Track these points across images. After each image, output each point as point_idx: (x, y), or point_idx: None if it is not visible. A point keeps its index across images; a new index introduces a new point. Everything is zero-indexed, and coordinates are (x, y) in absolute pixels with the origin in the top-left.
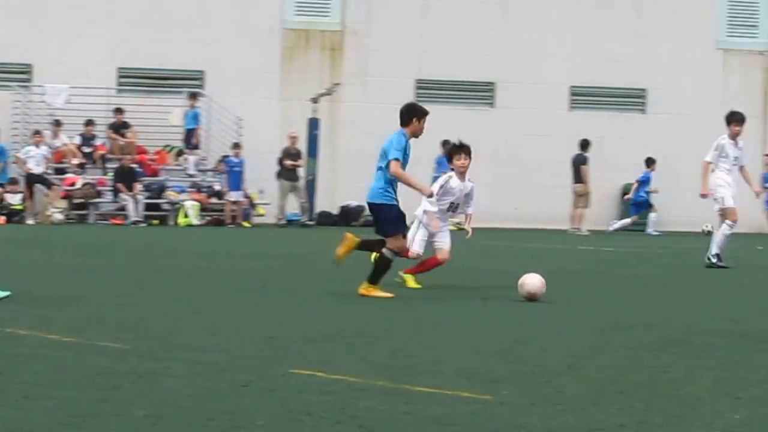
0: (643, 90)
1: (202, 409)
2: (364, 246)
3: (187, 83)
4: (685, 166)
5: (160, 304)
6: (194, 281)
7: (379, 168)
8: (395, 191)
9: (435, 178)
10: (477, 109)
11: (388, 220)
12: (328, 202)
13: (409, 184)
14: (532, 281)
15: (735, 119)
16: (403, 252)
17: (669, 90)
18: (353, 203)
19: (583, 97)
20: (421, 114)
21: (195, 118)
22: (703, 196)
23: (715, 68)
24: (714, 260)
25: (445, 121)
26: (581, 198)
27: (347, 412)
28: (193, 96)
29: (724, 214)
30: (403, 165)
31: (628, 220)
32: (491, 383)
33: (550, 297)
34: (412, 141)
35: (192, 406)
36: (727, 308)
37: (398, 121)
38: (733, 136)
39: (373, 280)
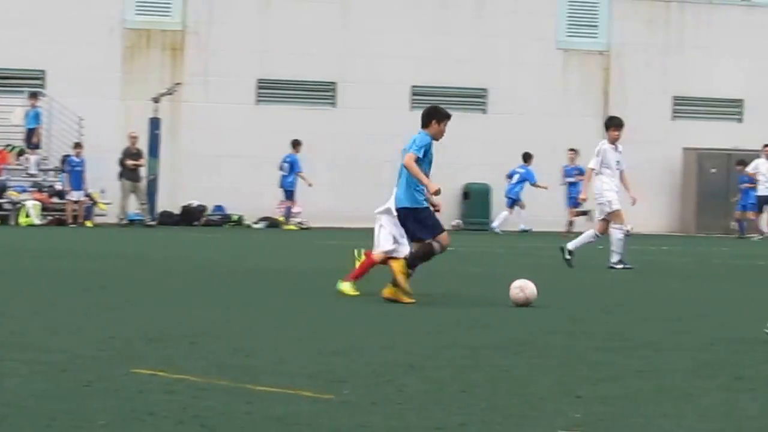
0: (483, 90)
1: (44, 409)
2: (413, 264)
3: (27, 82)
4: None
5: (0, 305)
6: (35, 281)
7: (402, 172)
8: (422, 192)
9: (284, 178)
10: (318, 109)
11: (425, 225)
12: (169, 201)
13: (419, 179)
14: (532, 290)
15: (613, 124)
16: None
17: (510, 90)
18: (195, 203)
19: (425, 97)
20: (441, 117)
21: (36, 117)
22: (582, 200)
23: (555, 68)
24: (619, 267)
25: (286, 121)
26: None
27: (189, 412)
28: (34, 95)
29: (611, 218)
30: (424, 164)
31: (506, 214)
32: (333, 383)
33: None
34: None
35: (34, 406)
36: (568, 308)
37: (242, 120)
38: (613, 141)
39: (412, 264)
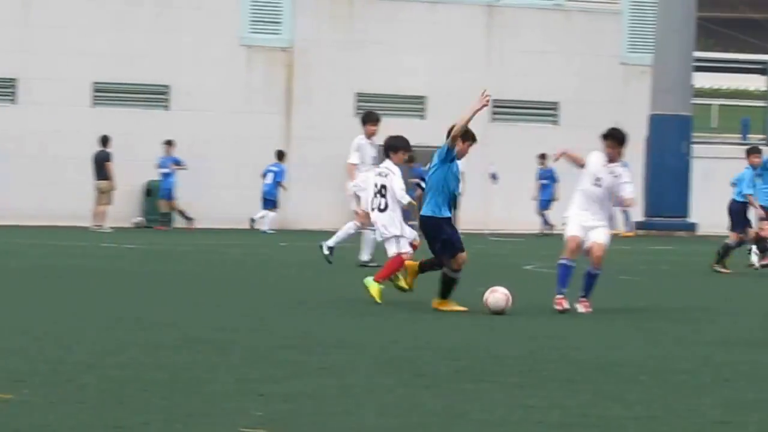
0: (166, 86)
1: None
2: (425, 268)
3: None
4: (210, 162)
5: None
6: None
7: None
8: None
9: None
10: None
11: (444, 242)
12: None
13: (469, 118)
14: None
15: (371, 119)
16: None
17: (192, 86)
18: None
19: (106, 94)
20: (466, 137)
21: None
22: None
23: (238, 65)
24: (327, 252)
25: None
26: (104, 195)
27: None
28: None
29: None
30: (453, 179)
31: (265, 212)
32: (12, 382)
33: (70, 295)
34: None
35: None
36: (252, 305)
37: None
38: (369, 136)
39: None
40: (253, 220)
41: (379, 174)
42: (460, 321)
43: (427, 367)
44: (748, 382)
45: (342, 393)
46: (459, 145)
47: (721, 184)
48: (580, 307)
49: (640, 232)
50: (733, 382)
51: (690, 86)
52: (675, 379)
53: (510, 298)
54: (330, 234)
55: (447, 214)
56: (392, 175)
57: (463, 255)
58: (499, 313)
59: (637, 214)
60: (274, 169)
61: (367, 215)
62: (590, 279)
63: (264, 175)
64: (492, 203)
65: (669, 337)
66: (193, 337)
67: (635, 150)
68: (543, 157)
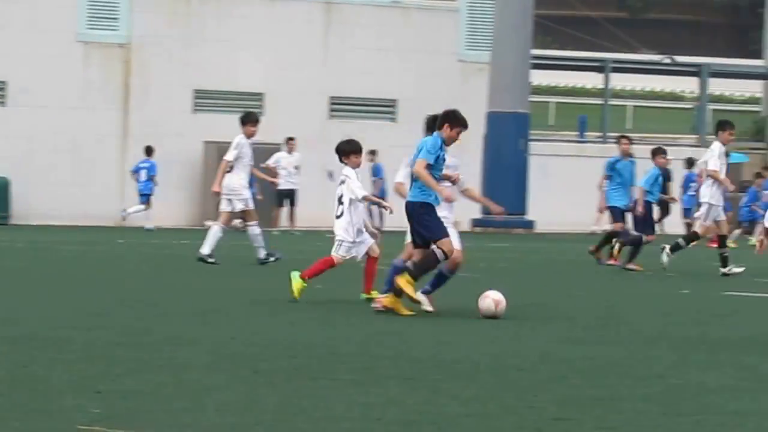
0: (2, 82)
1: None
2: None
3: None
4: (45, 159)
5: None
6: None
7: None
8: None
9: None
10: None
11: (428, 225)
12: None
13: (429, 186)
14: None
15: (250, 120)
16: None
17: (29, 82)
18: None
19: None
20: (455, 123)
21: None
22: (216, 193)
23: (74, 61)
24: (271, 259)
25: None
26: None
27: None
28: None
29: (246, 216)
30: (436, 168)
31: (141, 207)
32: None
33: None
34: None
35: None
36: (86, 302)
37: None
38: (249, 136)
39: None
40: (133, 217)
41: (341, 182)
42: (297, 318)
43: (264, 364)
44: (585, 378)
45: (179, 390)
46: (447, 132)
47: (558, 181)
48: (425, 302)
49: (478, 229)
50: (570, 378)
51: (527, 84)
52: (512, 376)
53: (501, 302)
54: (167, 232)
55: (428, 199)
56: (348, 180)
57: (448, 240)
58: (491, 316)
59: (475, 212)
60: (146, 165)
61: (230, 215)
62: (443, 279)
63: (135, 173)
64: (328, 201)
65: (506, 334)
66: (30, 334)
67: (474, 147)
68: (373, 153)
